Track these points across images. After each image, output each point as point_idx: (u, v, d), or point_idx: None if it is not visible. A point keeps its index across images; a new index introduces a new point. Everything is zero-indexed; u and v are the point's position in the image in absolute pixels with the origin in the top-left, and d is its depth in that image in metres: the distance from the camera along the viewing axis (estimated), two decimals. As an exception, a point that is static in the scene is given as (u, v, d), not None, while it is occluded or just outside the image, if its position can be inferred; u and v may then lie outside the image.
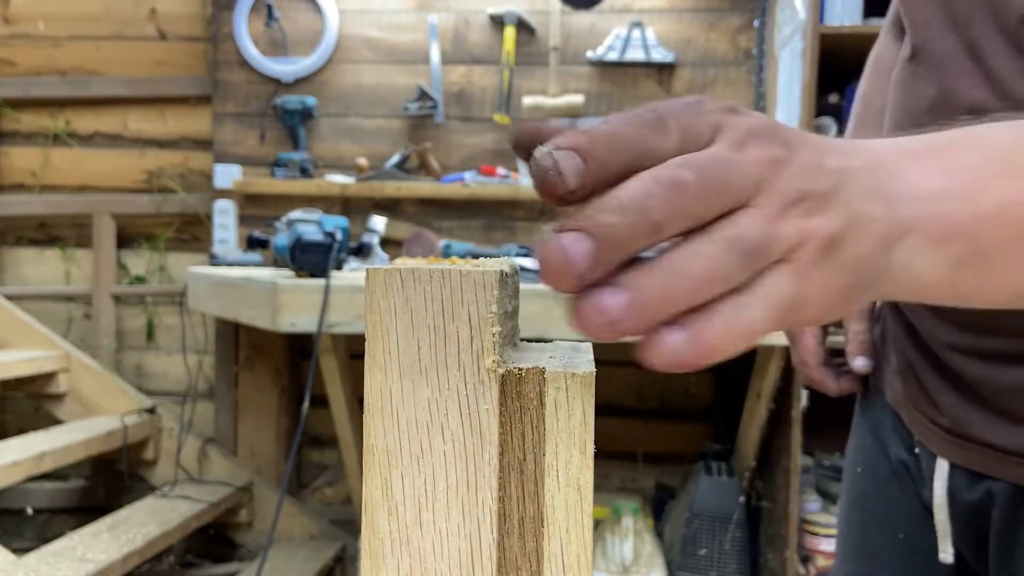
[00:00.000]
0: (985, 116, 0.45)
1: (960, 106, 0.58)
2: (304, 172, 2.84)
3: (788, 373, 2.09)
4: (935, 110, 0.61)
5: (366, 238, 2.26)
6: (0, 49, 3.08)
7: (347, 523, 2.78)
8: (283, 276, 1.96)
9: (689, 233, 0.30)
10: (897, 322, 0.72)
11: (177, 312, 2.98)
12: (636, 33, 2.81)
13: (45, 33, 3.07)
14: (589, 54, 2.84)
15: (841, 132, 2.14)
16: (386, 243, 2.60)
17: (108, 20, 3.06)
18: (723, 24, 2.83)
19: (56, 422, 2.81)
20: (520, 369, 0.31)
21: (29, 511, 2.94)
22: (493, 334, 0.31)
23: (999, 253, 0.34)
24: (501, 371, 0.31)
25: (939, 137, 0.36)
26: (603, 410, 2.66)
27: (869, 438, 0.77)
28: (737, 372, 2.51)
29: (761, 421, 2.23)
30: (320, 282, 1.80)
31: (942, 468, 0.66)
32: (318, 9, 2.91)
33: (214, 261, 2.55)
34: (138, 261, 3.08)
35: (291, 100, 2.84)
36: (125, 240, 3.07)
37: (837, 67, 2.09)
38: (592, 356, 0.35)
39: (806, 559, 2.17)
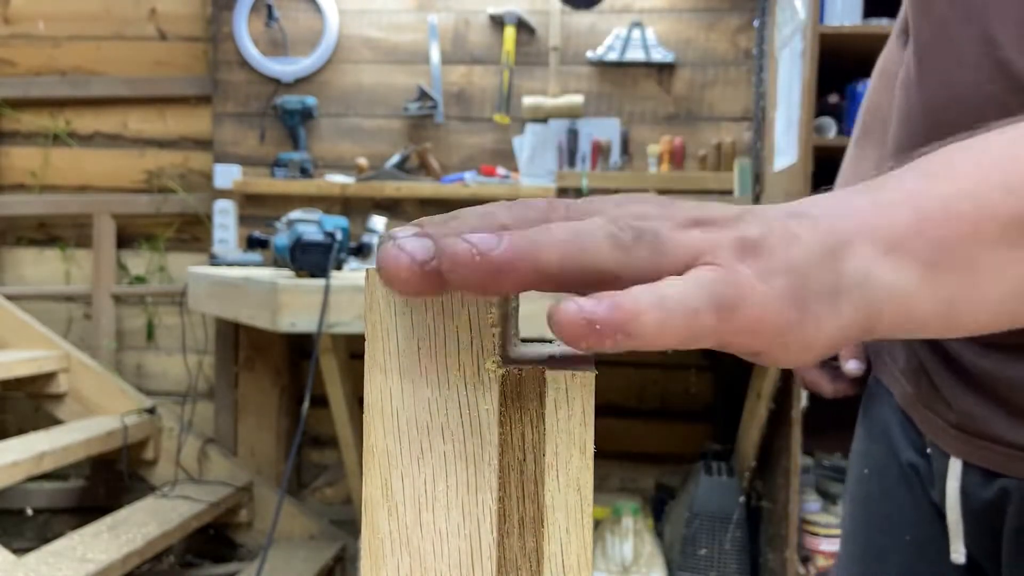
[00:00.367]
0: (993, 111, 0.45)
1: (972, 101, 0.58)
2: (304, 172, 2.84)
3: (788, 373, 2.09)
4: (945, 107, 0.61)
5: (366, 238, 2.26)
6: (0, 49, 3.08)
7: (347, 523, 2.78)
8: (283, 276, 1.96)
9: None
10: None
11: (177, 312, 2.98)
12: (636, 33, 2.82)
13: (45, 33, 3.07)
14: (589, 54, 2.84)
15: (841, 132, 2.14)
16: (386, 243, 2.60)
17: (108, 20, 3.06)
18: (723, 24, 2.83)
19: (56, 422, 2.81)
20: (520, 369, 0.31)
21: (29, 511, 2.94)
22: (493, 334, 0.31)
23: (968, 256, 0.33)
24: (501, 371, 0.31)
25: (876, 179, 0.36)
26: (603, 410, 2.66)
27: (876, 440, 0.76)
28: (737, 372, 2.51)
29: (761, 421, 2.23)
30: (320, 282, 1.80)
31: (955, 467, 0.65)
32: (318, 9, 2.91)
33: (214, 261, 2.55)
34: (138, 261, 3.08)
35: (291, 100, 2.85)
36: (125, 240, 3.08)
37: (837, 67, 2.09)
38: (592, 356, 0.35)
39: (806, 559, 2.16)
